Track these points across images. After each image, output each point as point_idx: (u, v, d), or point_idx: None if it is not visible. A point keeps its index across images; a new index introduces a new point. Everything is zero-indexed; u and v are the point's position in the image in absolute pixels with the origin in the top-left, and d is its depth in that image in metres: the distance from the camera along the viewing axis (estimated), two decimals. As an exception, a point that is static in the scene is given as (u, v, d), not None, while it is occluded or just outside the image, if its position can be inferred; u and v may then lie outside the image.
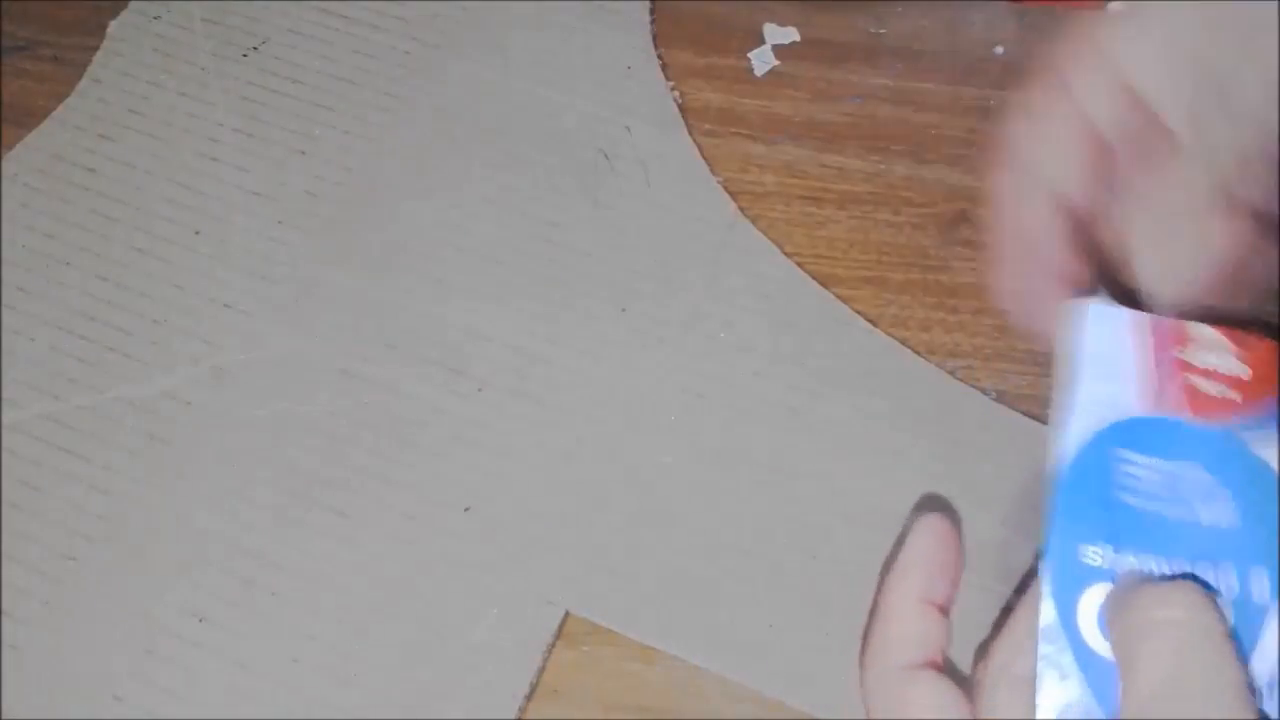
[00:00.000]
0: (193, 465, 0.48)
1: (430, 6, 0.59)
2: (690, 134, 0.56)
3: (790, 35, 0.59)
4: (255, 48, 0.58)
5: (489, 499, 0.47)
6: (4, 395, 0.50)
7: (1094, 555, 0.30)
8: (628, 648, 0.44)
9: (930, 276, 0.52)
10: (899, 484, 0.46)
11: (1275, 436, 0.31)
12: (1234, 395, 0.32)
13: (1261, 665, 0.28)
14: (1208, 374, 0.32)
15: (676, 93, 0.57)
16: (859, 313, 0.51)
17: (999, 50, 0.59)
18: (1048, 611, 0.30)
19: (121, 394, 0.50)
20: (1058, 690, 0.29)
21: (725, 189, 0.54)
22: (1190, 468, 0.31)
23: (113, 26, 0.59)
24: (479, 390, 0.49)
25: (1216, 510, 0.31)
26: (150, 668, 0.44)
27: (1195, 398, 0.32)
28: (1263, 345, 0.32)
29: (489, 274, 0.52)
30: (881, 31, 0.59)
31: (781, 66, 0.58)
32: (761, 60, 0.58)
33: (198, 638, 0.45)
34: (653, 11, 0.59)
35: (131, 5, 0.60)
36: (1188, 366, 0.32)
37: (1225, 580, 0.29)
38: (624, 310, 0.51)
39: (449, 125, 0.56)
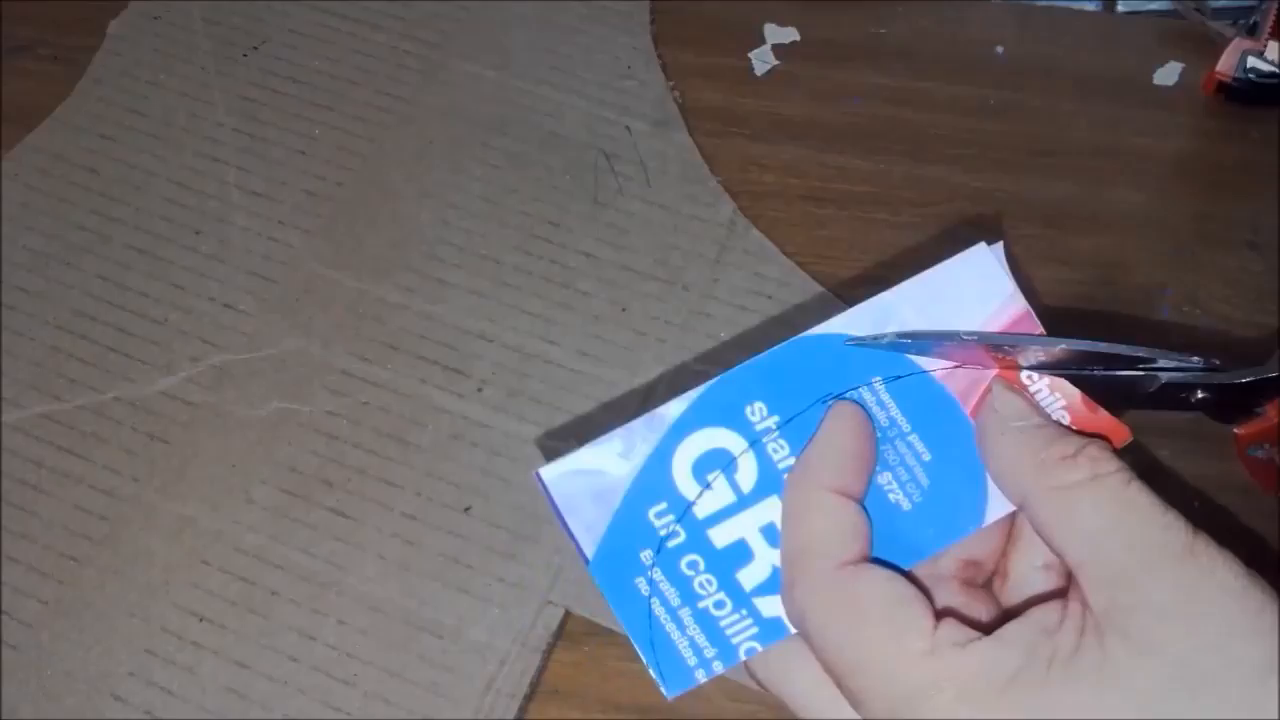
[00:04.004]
0: (193, 465, 0.48)
1: (430, 6, 0.59)
2: (690, 134, 0.56)
3: (790, 35, 0.59)
4: (255, 48, 0.58)
5: (489, 499, 0.47)
6: (4, 395, 0.50)
7: (757, 411, 0.30)
8: (628, 648, 0.44)
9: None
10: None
11: None
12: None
13: None
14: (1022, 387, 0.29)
15: (676, 93, 0.57)
16: (859, 313, 0.51)
17: (999, 50, 0.59)
18: (677, 407, 0.30)
19: (121, 394, 0.50)
20: (610, 460, 0.30)
21: (725, 189, 0.54)
22: (915, 432, 0.29)
23: (113, 26, 0.59)
24: (479, 390, 0.49)
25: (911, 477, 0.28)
26: (150, 668, 0.44)
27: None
28: (1108, 422, 0.28)
29: (489, 274, 0.52)
30: (881, 31, 0.59)
31: (781, 66, 0.58)
32: (761, 60, 0.58)
33: (198, 638, 0.45)
34: (653, 11, 0.59)
35: (131, 5, 0.60)
36: (1012, 365, 0.29)
37: None
38: (624, 310, 0.51)
39: (449, 125, 0.56)
